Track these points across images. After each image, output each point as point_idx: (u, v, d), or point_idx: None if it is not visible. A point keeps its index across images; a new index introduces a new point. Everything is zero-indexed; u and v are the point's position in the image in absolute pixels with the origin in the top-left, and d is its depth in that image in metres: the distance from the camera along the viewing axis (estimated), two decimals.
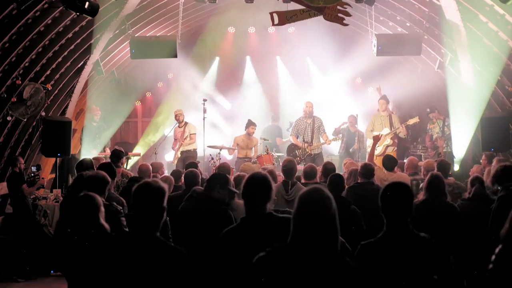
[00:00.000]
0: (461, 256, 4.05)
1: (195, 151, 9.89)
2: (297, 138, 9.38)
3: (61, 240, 3.93)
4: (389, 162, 6.20)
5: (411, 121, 9.29)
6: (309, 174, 5.73)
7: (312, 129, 9.33)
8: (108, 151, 9.54)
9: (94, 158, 6.92)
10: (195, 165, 6.56)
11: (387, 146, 9.22)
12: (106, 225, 3.21)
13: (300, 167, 9.65)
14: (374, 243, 2.70)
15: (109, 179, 3.91)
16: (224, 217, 3.75)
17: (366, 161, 6.59)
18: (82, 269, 2.68)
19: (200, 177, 5.32)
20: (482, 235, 4.15)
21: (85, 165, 5.35)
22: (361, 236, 3.90)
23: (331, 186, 4.74)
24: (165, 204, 2.54)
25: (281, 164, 9.59)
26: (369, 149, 9.60)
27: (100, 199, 3.31)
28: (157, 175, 6.99)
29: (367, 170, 5.40)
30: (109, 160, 6.71)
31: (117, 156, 6.78)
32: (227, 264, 2.73)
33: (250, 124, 9.83)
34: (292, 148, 9.56)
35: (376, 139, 7.23)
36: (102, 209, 3.25)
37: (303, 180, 5.86)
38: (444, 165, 5.81)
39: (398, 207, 2.69)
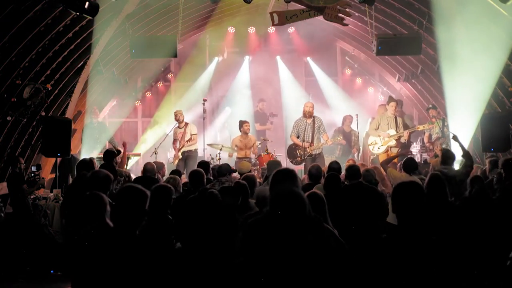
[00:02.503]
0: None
1: (196, 151, 9.91)
2: (297, 138, 9.38)
3: (68, 240, 3.94)
4: (409, 166, 6.17)
5: (420, 127, 9.33)
6: (315, 175, 5.62)
7: (313, 129, 9.33)
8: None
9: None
10: (206, 164, 6.61)
11: (391, 147, 9.23)
12: (111, 224, 3.22)
13: (300, 167, 9.70)
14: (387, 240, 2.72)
15: (112, 177, 3.91)
16: (231, 221, 3.77)
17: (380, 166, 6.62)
18: (85, 268, 2.69)
19: (205, 177, 5.35)
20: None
21: (86, 164, 5.35)
22: (360, 235, 3.89)
23: (328, 186, 4.71)
24: (146, 207, 2.74)
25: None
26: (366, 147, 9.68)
27: (106, 198, 3.31)
28: (158, 175, 7.01)
29: (352, 171, 5.36)
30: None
31: (110, 155, 6.79)
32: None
33: (243, 122, 9.87)
34: (292, 148, 9.56)
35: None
36: (108, 208, 3.26)
37: (306, 181, 5.82)
38: (406, 162, 6.07)
39: (410, 206, 2.70)
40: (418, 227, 2.68)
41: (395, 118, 9.47)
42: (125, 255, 2.58)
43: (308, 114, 9.40)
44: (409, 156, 7.79)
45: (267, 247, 2.42)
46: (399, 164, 7.27)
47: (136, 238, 2.68)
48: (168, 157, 10.86)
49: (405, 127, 9.57)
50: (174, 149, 9.94)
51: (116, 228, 2.70)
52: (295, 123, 9.56)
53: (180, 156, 9.71)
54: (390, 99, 9.70)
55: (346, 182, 5.41)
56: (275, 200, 2.51)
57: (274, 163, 6.17)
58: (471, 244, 4.05)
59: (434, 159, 7.63)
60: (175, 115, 9.96)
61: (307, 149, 9.20)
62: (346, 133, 10.54)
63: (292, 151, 9.54)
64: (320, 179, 5.59)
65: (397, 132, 9.24)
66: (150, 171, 6.46)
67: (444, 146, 9.41)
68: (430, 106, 10.02)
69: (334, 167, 5.72)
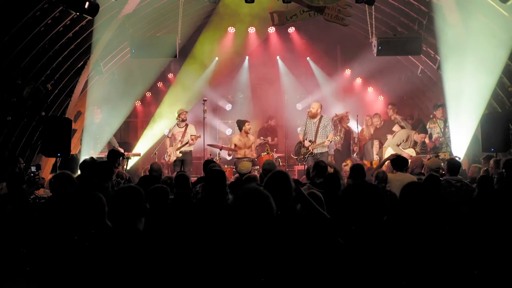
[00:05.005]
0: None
1: (191, 152, 9.99)
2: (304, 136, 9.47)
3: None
4: (399, 163, 6.19)
5: (441, 155, 9.26)
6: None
7: (317, 128, 9.35)
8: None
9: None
10: (212, 162, 6.64)
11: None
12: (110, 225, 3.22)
13: (301, 167, 9.72)
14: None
15: (74, 178, 3.93)
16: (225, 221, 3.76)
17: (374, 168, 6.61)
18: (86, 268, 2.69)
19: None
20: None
21: (88, 164, 5.38)
22: (359, 235, 3.88)
23: (328, 186, 4.71)
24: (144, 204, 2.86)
25: (281, 164, 9.71)
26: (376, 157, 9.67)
27: (104, 199, 3.30)
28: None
29: (356, 171, 5.36)
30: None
31: (113, 157, 6.81)
32: None
33: (244, 122, 9.89)
34: (299, 146, 9.65)
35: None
36: (107, 209, 3.25)
37: (305, 181, 5.84)
38: (396, 161, 6.12)
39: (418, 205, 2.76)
40: (423, 226, 2.70)
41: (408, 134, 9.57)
42: (128, 254, 2.58)
43: (309, 114, 9.43)
44: (398, 154, 7.75)
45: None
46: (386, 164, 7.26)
47: (139, 237, 2.68)
48: (166, 158, 10.86)
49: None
50: (167, 147, 9.98)
51: (116, 228, 2.70)
52: (304, 122, 9.63)
53: (180, 155, 9.74)
54: (423, 129, 9.65)
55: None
56: (238, 199, 2.53)
57: (270, 164, 6.17)
58: (473, 244, 4.05)
59: (430, 159, 7.55)
60: (180, 113, 9.97)
61: (309, 147, 9.24)
62: (347, 131, 10.52)
63: (298, 149, 9.65)
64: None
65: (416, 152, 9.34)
66: (156, 171, 6.52)
67: (444, 146, 9.42)
68: (439, 104, 9.93)
69: (322, 165, 5.66)
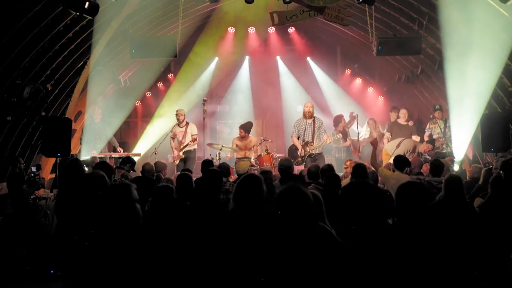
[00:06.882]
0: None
1: (195, 151, 9.95)
2: (298, 138, 9.39)
3: (64, 240, 3.92)
4: (402, 163, 6.20)
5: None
6: (314, 174, 5.70)
7: (313, 129, 9.33)
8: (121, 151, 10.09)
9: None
10: (211, 163, 6.65)
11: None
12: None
13: (301, 167, 9.70)
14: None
15: (107, 178, 3.92)
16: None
17: (369, 164, 6.58)
18: (86, 268, 2.68)
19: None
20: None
21: (79, 165, 5.40)
22: (360, 234, 3.88)
23: (328, 185, 4.72)
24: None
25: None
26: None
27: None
28: (160, 175, 7.01)
29: (358, 170, 5.38)
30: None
31: (128, 162, 6.91)
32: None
33: (239, 128, 9.93)
34: (293, 148, 9.57)
35: (375, 143, 7.19)
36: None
37: (306, 180, 5.84)
38: (397, 160, 6.11)
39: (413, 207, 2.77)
40: (417, 227, 2.69)
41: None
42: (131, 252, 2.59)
43: (308, 114, 9.40)
44: (399, 154, 7.73)
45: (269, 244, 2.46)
46: (390, 161, 7.24)
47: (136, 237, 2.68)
48: (168, 157, 10.86)
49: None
50: (172, 147, 9.98)
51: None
52: (295, 123, 9.56)
53: (182, 156, 9.75)
54: (431, 141, 9.69)
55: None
56: (281, 198, 2.56)
57: (287, 160, 6.19)
58: (472, 245, 4.04)
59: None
60: (178, 114, 9.97)
61: (308, 148, 9.22)
62: (343, 133, 10.52)
63: (292, 151, 9.55)
64: (319, 177, 5.62)
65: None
66: (148, 171, 6.46)
67: (444, 146, 9.42)
68: (438, 107, 9.93)
69: (327, 168, 5.69)
